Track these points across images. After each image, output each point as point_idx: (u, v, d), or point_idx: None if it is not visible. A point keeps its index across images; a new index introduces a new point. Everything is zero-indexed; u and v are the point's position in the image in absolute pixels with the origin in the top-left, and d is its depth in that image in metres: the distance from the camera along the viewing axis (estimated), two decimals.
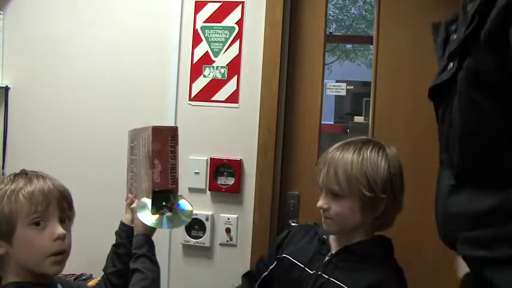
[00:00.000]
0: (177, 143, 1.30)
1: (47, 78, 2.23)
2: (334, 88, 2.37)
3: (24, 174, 1.24)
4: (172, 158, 1.28)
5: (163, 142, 1.27)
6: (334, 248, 1.42)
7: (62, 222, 1.20)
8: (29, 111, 2.24)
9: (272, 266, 1.51)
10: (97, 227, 2.06)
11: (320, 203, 1.37)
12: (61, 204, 1.20)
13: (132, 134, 1.44)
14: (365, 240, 1.39)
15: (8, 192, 1.18)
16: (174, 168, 1.28)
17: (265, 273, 1.52)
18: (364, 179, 1.31)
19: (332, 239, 1.45)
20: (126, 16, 2.15)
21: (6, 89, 2.24)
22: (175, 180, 1.30)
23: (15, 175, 1.24)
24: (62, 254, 1.19)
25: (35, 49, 2.24)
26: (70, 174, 2.14)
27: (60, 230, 1.17)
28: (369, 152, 1.34)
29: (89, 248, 1.88)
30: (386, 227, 1.42)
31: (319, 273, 1.38)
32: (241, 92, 2.06)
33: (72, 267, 1.51)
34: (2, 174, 2.23)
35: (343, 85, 2.35)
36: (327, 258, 1.40)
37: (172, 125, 2.07)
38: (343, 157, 1.33)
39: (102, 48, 2.17)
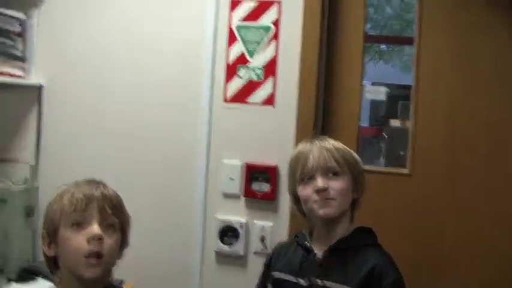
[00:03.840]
0: None
1: (82, 77, 2.19)
2: (373, 92, 2.27)
3: (84, 180, 1.27)
4: None
5: None
6: (318, 250, 1.41)
7: (105, 226, 1.20)
8: (63, 111, 2.21)
9: None
10: (143, 231, 2.03)
11: (320, 184, 1.36)
12: (102, 207, 1.20)
13: None
14: (347, 235, 1.40)
15: (59, 193, 1.23)
16: None
17: None
18: (352, 157, 1.43)
19: (314, 242, 1.44)
20: (161, 15, 2.10)
21: (40, 87, 2.21)
22: None
23: (77, 181, 1.27)
24: (98, 258, 1.17)
25: (71, 47, 2.20)
26: (106, 179, 2.10)
27: (95, 230, 1.17)
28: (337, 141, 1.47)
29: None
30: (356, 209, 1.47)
31: (312, 278, 1.37)
32: (278, 94, 1.98)
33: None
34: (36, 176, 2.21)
35: (382, 89, 2.24)
36: (315, 262, 1.39)
37: (206, 127, 2.02)
38: (328, 143, 1.42)
39: (136, 47, 2.13)
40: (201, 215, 2.04)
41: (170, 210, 2.09)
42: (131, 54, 2.13)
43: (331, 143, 1.43)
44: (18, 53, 2.16)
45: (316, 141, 1.43)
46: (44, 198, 1.38)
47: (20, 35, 2.17)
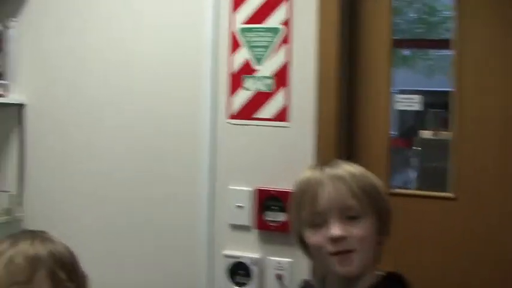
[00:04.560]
0: None
1: (65, 94, 2.01)
2: (405, 101, 1.96)
3: (23, 234, 1.05)
4: None
5: None
6: None
7: None
8: (48, 132, 2.03)
9: None
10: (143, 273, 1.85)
11: (337, 231, 1.03)
12: (53, 273, 0.96)
13: None
14: (376, 284, 1.09)
15: None
16: None
17: None
18: (376, 189, 1.10)
19: None
20: (152, 24, 1.89)
21: (21, 106, 2.03)
22: None
23: (14, 235, 1.03)
24: None
25: (54, 62, 2.02)
26: (99, 208, 1.96)
27: None
28: (355, 165, 1.13)
29: None
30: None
31: None
32: (291, 107, 1.73)
33: None
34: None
35: (416, 97, 1.92)
36: None
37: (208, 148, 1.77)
38: (344, 170, 1.09)
39: (123, 60, 1.93)
40: (205, 251, 1.79)
41: (171, 247, 1.85)
42: (119, 70, 1.94)
43: (346, 169, 1.09)
44: None
45: (327, 169, 1.10)
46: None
47: None
